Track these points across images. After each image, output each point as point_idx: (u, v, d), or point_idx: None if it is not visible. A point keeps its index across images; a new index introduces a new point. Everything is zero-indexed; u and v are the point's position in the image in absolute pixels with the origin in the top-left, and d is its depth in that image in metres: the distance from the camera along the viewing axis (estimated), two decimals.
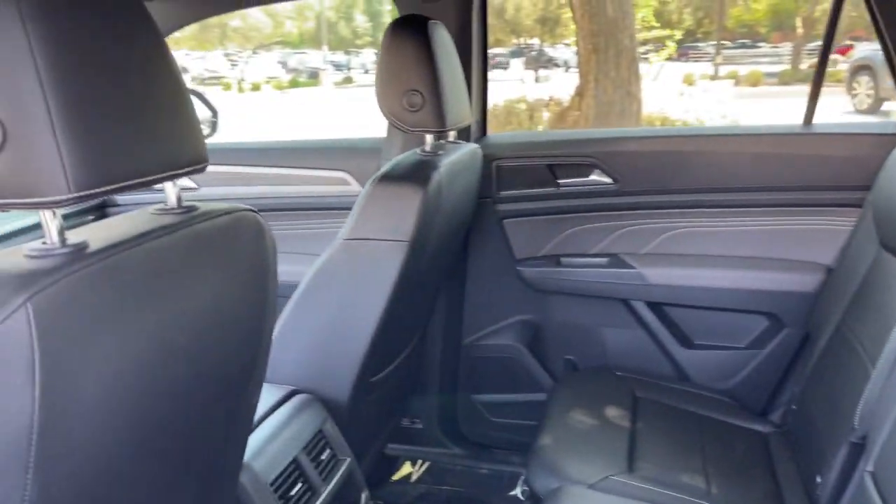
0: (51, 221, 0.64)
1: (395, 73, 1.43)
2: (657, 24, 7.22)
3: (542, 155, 1.95)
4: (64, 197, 0.61)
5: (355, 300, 1.41)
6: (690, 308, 1.95)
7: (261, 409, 1.33)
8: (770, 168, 1.82)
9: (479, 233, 2.01)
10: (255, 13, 24.72)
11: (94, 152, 0.62)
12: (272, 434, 1.29)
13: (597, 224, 1.97)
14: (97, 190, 0.63)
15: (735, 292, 1.87)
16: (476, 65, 1.94)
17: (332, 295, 1.43)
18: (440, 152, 1.51)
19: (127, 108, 0.67)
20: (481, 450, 2.16)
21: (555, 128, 6.52)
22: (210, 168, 2.19)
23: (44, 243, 0.64)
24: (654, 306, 1.96)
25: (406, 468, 2.18)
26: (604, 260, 1.97)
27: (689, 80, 11.54)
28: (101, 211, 2.22)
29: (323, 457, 1.37)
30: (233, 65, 27.22)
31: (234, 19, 24.43)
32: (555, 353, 2.10)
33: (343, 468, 1.40)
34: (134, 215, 0.79)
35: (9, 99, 0.59)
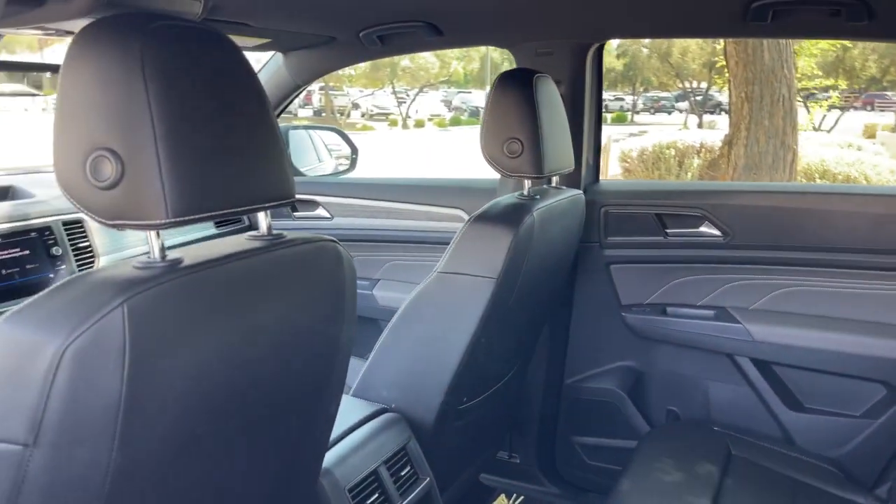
0: (154, 240, 0.79)
1: (499, 122, 1.54)
2: (819, 73, 6.86)
3: (650, 204, 1.98)
4: (163, 221, 0.75)
5: (445, 329, 1.52)
6: (800, 369, 1.88)
7: (349, 422, 1.46)
8: (891, 230, 1.74)
9: (585, 276, 2.06)
10: (423, 54, 25.92)
11: (189, 187, 0.77)
12: (356, 446, 1.40)
13: (705, 276, 1.96)
14: (190, 217, 0.77)
15: (849, 357, 1.79)
16: (589, 115, 2.01)
17: (424, 323, 1.55)
18: (537, 196, 1.59)
19: (222, 152, 0.82)
20: (577, 491, 2.17)
21: (705, 176, 6.35)
22: (342, 201, 2.40)
23: (148, 257, 0.80)
24: (761, 364, 1.92)
25: (501, 501, 2.23)
26: (710, 312, 1.95)
27: (870, 132, 10.78)
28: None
29: (403, 473, 1.47)
30: (400, 102, 28.68)
31: (404, 59, 25.75)
32: (656, 402, 2.09)
33: (421, 486, 1.49)
34: (231, 239, 0.93)
35: (129, 142, 0.74)
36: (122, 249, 1.94)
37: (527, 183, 1.60)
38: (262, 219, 0.95)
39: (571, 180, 1.99)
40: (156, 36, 0.76)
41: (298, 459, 1.11)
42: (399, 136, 21.68)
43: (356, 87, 29.02)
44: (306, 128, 2.99)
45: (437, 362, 1.53)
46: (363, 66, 26.84)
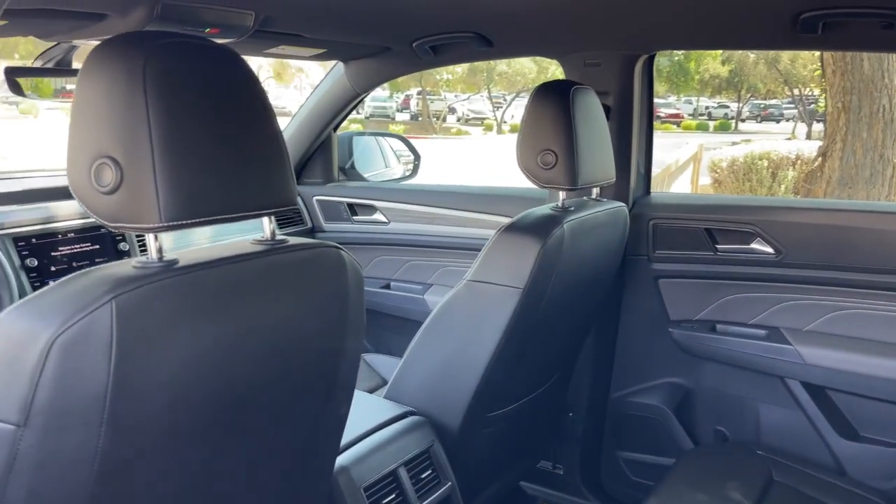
0: (151, 242, 0.86)
1: (534, 133, 1.55)
2: None
3: (700, 218, 1.93)
4: (157, 225, 0.81)
5: (472, 336, 1.54)
6: (855, 395, 1.79)
7: (373, 422, 1.50)
8: None
9: (633, 289, 2.03)
10: (521, 59, 25.90)
11: (183, 194, 0.82)
12: (377, 446, 1.44)
13: (756, 294, 1.90)
14: (184, 221, 0.83)
15: None
16: (638, 127, 1.98)
17: (453, 329, 1.57)
18: (572, 208, 1.59)
19: (220, 160, 0.87)
20: None
21: (801, 190, 6.07)
22: (399, 206, 2.46)
23: (148, 258, 0.86)
24: (813, 388, 1.84)
25: None
26: (761, 332, 1.89)
27: None
28: (311, 234, 2.57)
29: (424, 476, 1.50)
30: (496, 107, 28.75)
31: (501, 64, 25.79)
32: (703, 421, 2.04)
33: (442, 490, 1.51)
34: (234, 243, 0.99)
35: (127, 150, 0.80)
36: (186, 247, 2.06)
37: (561, 194, 1.60)
38: (266, 224, 0.99)
39: (619, 192, 1.96)
40: (160, 52, 0.82)
41: (308, 458, 1.15)
42: (493, 141, 21.72)
43: (453, 91, 29.29)
44: (373, 134, 3.06)
45: (463, 369, 1.55)
46: (460, 71, 27.12)
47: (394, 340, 2.47)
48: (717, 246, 1.92)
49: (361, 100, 2.43)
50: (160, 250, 0.86)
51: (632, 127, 1.95)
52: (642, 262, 2.00)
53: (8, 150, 13.84)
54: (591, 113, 1.59)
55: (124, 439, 0.81)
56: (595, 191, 1.74)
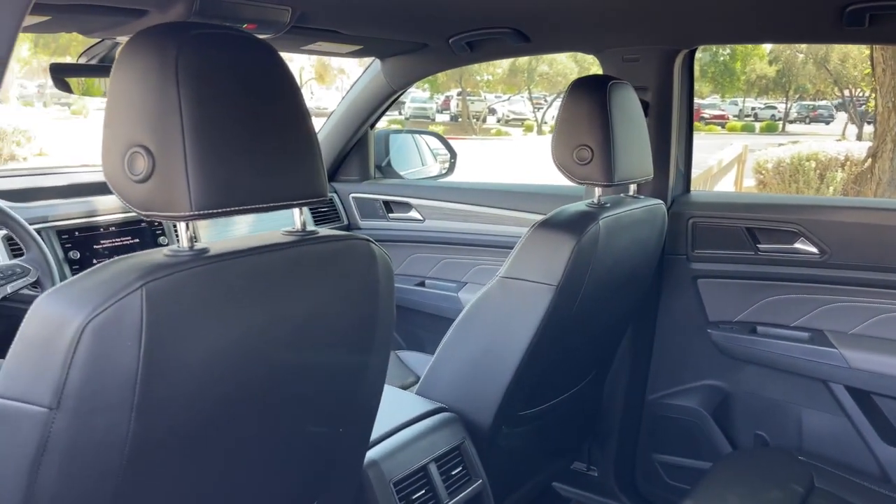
0: (183, 231, 0.87)
1: (570, 128, 1.53)
2: None
3: (741, 217, 1.89)
4: (187, 213, 0.82)
5: (505, 333, 1.52)
6: None
7: (405, 418, 1.49)
8: None
9: (671, 289, 2.00)
10: (562, 59, 25.73)
11: (213, 183, 0.83)
12: (408, 441, 1.44)
13: (799, 295, 1.85)
14: (213, 210, 0.84)
15: None
16: (678, 123, 1.94)
17: (485, 325, 1.56)
18: (608, 205, 1.56)
19: (251, 151, 0.87)
20: None
21: (850, 192, 5.91)
22: (435, 203, 2.45)
23: (179, 246, 0.87)
24: (858, 393, 1.78)
25: None
26: (804, 335, 1.84)
27: None
28: (347, 231, 2.58)
29: (455, 472, 1.49)
30: (537, 108, 28.61)
31: (542, 65, 25.66)
32: (743, 425, 1.99)
33: (472, 487, 1.50)
34: (266, 234, 0.99)
35: (160, 140, 0.81)
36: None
37: (597, 191, 1.58)
38: (297, 215, 1.00)
39: (658, 190, 1.93)
40: (192, 42, 0.83)
41: (337, 450, 1.15)
42: (533, 142, 21.63)
43: (493, 92, 29.25)
44: (409, 132, 3.06)
45: (495, 366, 1.54)
46: (500, 72, 27.06)
47: (428, 338, 2.47)
48: (759, 246, 1.87)
49: (398, 97, 2.43)
50: (192, 239, 0.87)
51: (671, 123, 1.92)
52: (681, 262, 1.96)
53: (53, 147, 14.25)
54: (629, 108, 1.57)
55: (153, 424, 0.82)
56: (632, 188, 1.71)
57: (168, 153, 0.81)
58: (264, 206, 0.90)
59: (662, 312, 2.03)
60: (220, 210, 0.84)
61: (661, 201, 1.76)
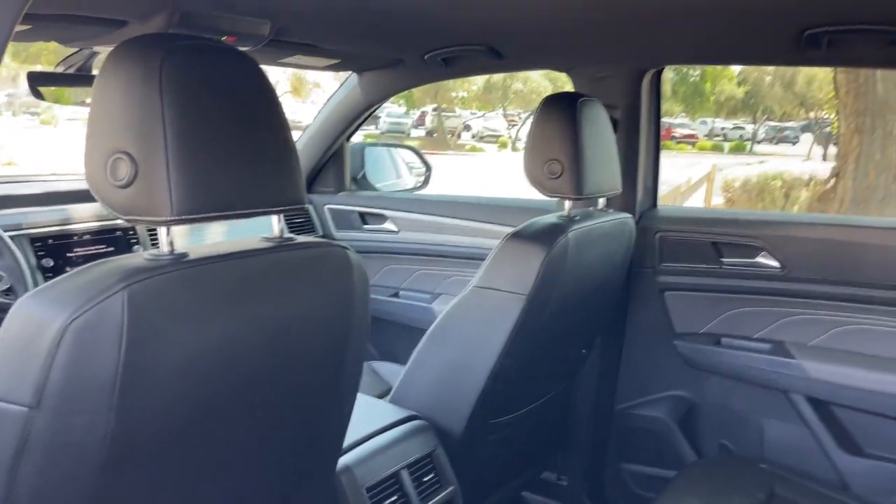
0: (163, 235, 0.89)
1: (541, 143, 1.58)
2: None
3: (706, 232, 1.95)
4: (169, 218, 0.84)
5: (477, 342, 1.56)
6: (860, 411, 1.79)
7: (377, 425, 1.52)
8: None
9: (638, 301, 2.05)
10: (536, 77, 26.00)
11: (195, 189, 0.85)
12: (380, 448, 1.46)
13: (761, 308, 1.91)
14: (194, 216, 0.86)
15: None
16: (646, 140, 2.00)
17: (458, 334, 1.59)
18: (577, 218, 1.61)
19: (232, 158, 0.90)
20: None
21: (814, 209, 6.06)
22: (409, 216, 2.48)
23: (159, 251, 0.89)
24: (818, 403, 1.84)
25: None
26: (766, 346, 1.89)
27: None
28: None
29: (426, 479, 1.51)
30: (511, 124, 28.82)
31: (517, 82, 25.89)
32: (708, 434, 2.04)
33: (444, 494, 1.53)
34: (244, 240, 1.02)
35: (142, 146, 0.84)
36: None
37: (567, 204, 1.62)
38: (275, 222, 1.02)
39: (626, 205, 1.98)
40: (176, 53, 0.85)
41: (312, 454, 1.17)
42: (507, 158, 21.78)
43: (469, 109, 29.43)
44: (385, 145, 3.10)
45: (467, 374, 1.57)
46: (475, 88, 27.23)
47: (401, 349, 2.49)
48: (723, 259, 1.93)
49: (374, 111, 2.46)
50: (171, 244, 0.89)
51: (639, 140, 1.98)
52: (648, 274, 2.02)
53: (22, 156, 14.05)
54: (598, 124, 1.62)
55: (132, 426, 0.83)
56: (601, 202, 1.76)
57: (150, 159, 0.83)
58: (244, 212, 0.92)
59: (630, 324, 2.08)
60: (200, 215, 0.87)
61: (629, 215, 1.81)
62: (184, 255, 0.89)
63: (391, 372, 2.18)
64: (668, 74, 20.97)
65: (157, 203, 0.84)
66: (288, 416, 1.07)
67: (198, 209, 0.86)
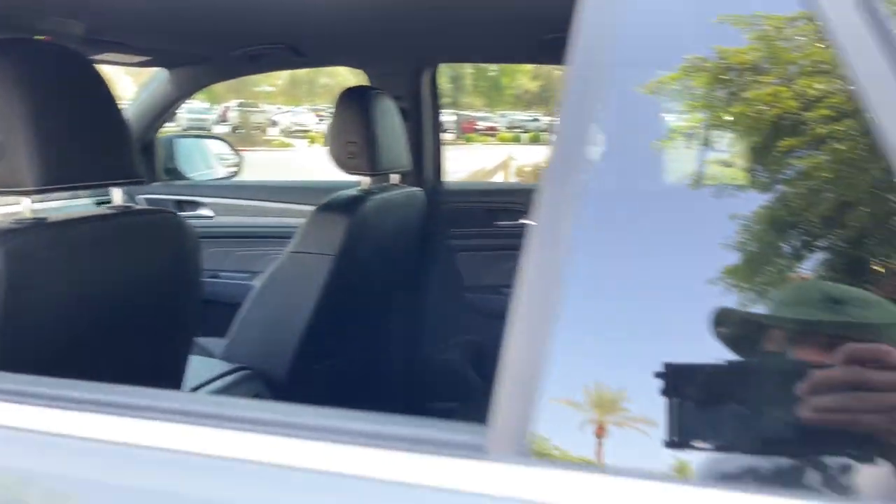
0: (26, 204, 1.08)
1: (341, 128, 1.87)
2: None
3: (484, 201, 2.34)
4: (29, 188, 1.04)
5: (295, 298, 1.82)
6: None
7: (206, 376, 1.74)
8: None
9: (433, 263, 2.40)
10: (343, 72, 26.15)
11: (49, 165, 1.05)
12: (211, 393, 1.69)
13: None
14: (52, 186, 1.06)
15: None
16: (427, 126, 2.37)
17: (277, 294, 1.85)
18: (375, 190, 1.92)
19: (78, 139, 1.11)
20: None
21: None
22: (227, 201, 2.64)
23: (22, 216, 1.08)
24: None
25: None
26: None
27: None
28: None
29: None
30: (320, 119, 28.75)
31: (323, 77, 25.92)
32: (495, 370, 2.44)
33: None
34: (92, 209, 1.23)
35: (5, 130, 1.03)
36: None
37: (365, 180, 1.92)
38: (116, 193, 1.23)
39: (416, 181, 2.33)
40: (24, 54, 1.06)
41: (163, 363, 1.41)
42: (319, 153, 21.78)
43: (274, 104, 29.02)
44: (195, 136, 3.23)
45: (287, 327, 1.83)
46: (280, 83, 26.91)
47: (224, 327, 2.67)
48: (497, 223, 2.34)
49: (181, 103, 2.62)
50: (31, 210, 1.09)
51: (422, 126, 2.33)
52: (438, 238, 2.37)
53: None
54: (388, 112, 1.93)
55: (21, 337, 1.04)
56: (394, 178, 2.08)
57: (15, 143, 1.03)
58: (94, 184, 1.14)
59: (429, 283, 2.43)
60: (55, 186, 1.07)
61: (420, 189, 2.15)
62: (43, 219, 1.09)
63: (218, 347, 2.37)
64: (468, 70, 22.10)
65: (20, 177, 1.04)
66: (144, 338, 1.29)
67: (53, 181, 1.06)
